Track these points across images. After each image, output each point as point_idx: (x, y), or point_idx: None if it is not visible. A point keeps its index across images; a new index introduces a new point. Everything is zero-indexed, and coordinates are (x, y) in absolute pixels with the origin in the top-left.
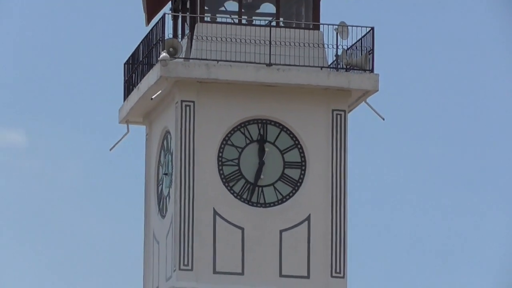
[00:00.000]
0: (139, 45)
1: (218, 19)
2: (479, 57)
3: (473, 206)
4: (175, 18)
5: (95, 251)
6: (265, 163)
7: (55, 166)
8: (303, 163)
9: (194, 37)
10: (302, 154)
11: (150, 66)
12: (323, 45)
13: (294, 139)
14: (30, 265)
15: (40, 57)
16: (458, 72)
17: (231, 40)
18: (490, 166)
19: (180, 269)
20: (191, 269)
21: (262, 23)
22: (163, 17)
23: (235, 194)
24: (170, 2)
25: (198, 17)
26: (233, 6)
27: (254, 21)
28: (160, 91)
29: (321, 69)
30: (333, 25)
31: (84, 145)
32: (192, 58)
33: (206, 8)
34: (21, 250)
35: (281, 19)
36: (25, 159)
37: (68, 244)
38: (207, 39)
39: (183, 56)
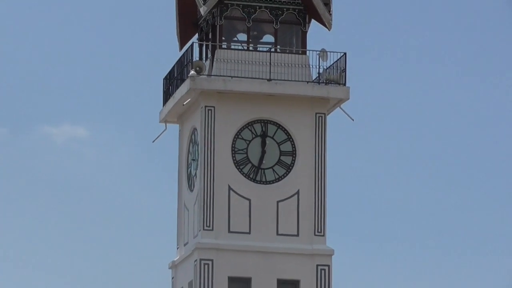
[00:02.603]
0: (174, 65)
1: (232, 46)
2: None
3: (420, 181)
4: (200, 46)
5: (140, 218)
6: (266, 152)
7: (110, 154)
8: (294, 152)
9: (215, 59)
10: (293, 145)
11: (182, 80)
12: (309, 65)
13: (288, 134)
14: (89, 227)
15: (102, 72)
16: (411, 81)
17: (241, 62)
18: (441, 156)
19: (203, 229)
20: (212, 229)
21: (264, 49)
22: (192, 45)
23: (244, 175)
24: (197, 34)
25: (218, 45)
26: (243, 37)
27: (258, 48)
28: (189, 99)
29: (307, 83)
30: (316, 51)
31: (133, 137)
32: (213, 75)
33: (223, 38)
34: (84, 216)
35: (278, 46)
36: (86, 148)
37: (120, 213)
38: (224, 61)
39: (206, 73)
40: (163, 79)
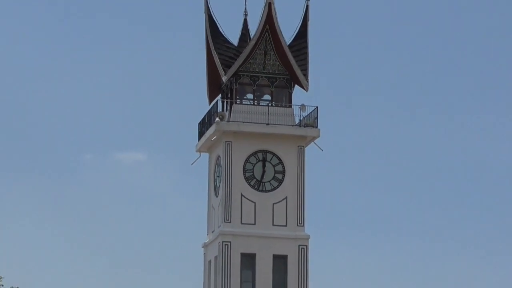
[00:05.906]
0: (205, 115)
1: (243, 102)
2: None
3: (373, 189)
4: (222, 102)
5: (182, 215)
6: (265, 171)
7: (161, 172)
8: (284, 171)
9: (232, 110)
10: (283, 167)
11: (210, 124)
12: (293, 114)
13: (279, 160)
14: (148, 223)
15: (158, 117)
16: (363, 126)
17: (249, 112)
18: (386, 166)
19: (224, 222)
20: (230, 222)
21: (264, 104)
22: (217, 101)
23: (251, 186)
24: (220, 94)
25: (234, 101)
26: (250, 96)
27: (260, 103)
28: (215, 136)
29: (292, 126)
30: (298, 105)
31: (178, 162)
32: (231, 121)
33: (237, 97)
34: (144, 216)
35: (273, 102)
36: (145, 168)
37: (169, 213)
38: (238, 111)
39: (227, 120)
40: (198, 123)
